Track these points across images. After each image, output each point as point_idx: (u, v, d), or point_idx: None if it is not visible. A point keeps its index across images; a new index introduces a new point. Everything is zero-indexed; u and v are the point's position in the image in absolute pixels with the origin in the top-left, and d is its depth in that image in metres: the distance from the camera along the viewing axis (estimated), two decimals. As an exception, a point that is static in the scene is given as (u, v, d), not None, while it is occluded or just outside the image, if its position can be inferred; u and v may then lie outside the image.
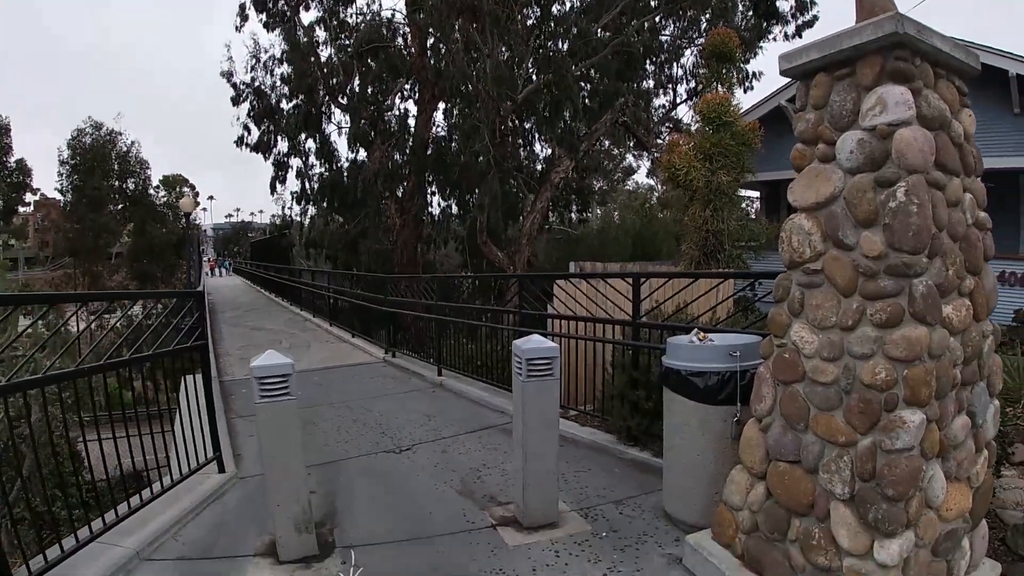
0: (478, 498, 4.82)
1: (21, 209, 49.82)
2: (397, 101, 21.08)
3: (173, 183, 55.69)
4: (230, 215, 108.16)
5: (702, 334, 4.13)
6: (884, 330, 2.70)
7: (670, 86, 23.36)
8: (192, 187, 72.02)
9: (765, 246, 13.03)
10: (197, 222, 71.04)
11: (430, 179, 20.90)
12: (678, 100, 23.47)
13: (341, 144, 22.34)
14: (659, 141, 24.66)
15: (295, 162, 23.27)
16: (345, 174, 21.99)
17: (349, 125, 20.17)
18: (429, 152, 19.84)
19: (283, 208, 25.42)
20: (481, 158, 16.39)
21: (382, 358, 11.13)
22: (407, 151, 19.47)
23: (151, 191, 43.09)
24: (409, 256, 19.18)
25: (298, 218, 24.67)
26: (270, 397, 3.81)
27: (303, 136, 21.70)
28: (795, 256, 3.07)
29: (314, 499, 4.65)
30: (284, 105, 22.13)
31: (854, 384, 2.79)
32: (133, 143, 40.21)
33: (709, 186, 11.38)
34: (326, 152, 21.91)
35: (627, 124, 22.27)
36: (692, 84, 22.62)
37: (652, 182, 43.95)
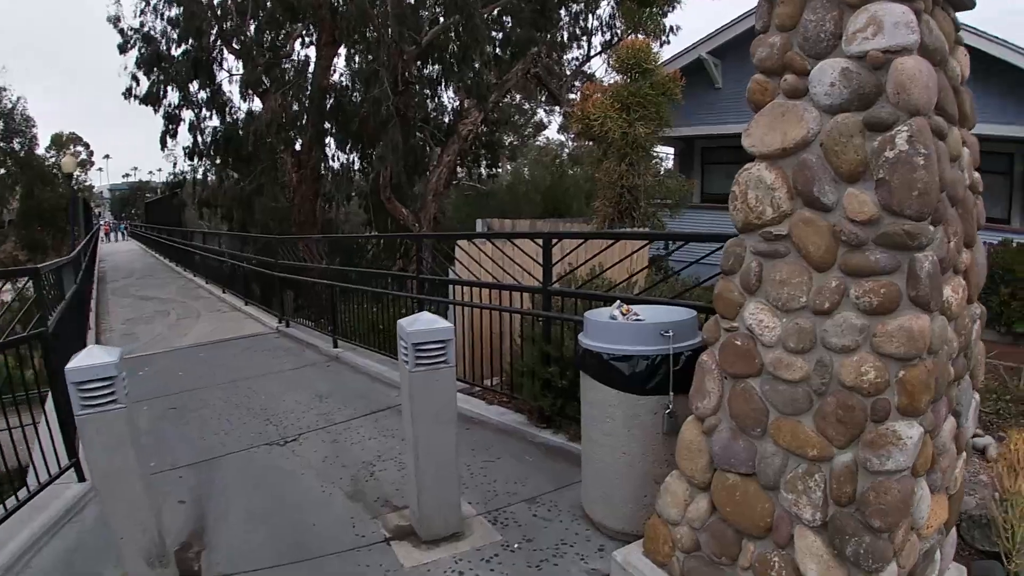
0: (370, 502, 4.12)
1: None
2: (297, 47, 19.79)
3: (65, 142, 51.63)
4: (127, 175, 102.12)
5: (626, 307, 3.49)
6: (874, 318, 2.06)
7: (584, 39, 22.72)
8: (87, 145, 67.57)
9: (680, 203, 12.56)
10: (89, 184, 67.42)
11: (329, 130, 19.65)
12: (592, 53, 22.82)
13: (236, 94, 20.76)
14: (572, 96, 24.05)
15: (187, 115, 21.76)
16: (240, 127, 20.61)
17: (242, 72, 18.76)
18: (329, 101, 18.59)
19: (175, 165, 23.74)
20: (383, 107, 15.33)
21: (275, 328, 10.23)
22: (305, 100, 18.17)
23: (39, 151, 39.90)
24: (307, 214, 18.03)
25: (190, 175, 23.09)
26: (94, 406, 2.97)
27: (195, 85, 20.14)
28: (751, 217, 2.40)
29: (183, 510, 4.06)
30: (175, 52, 20.48)
31: (830, 384, 2.18)
32: (19, 99, 37.07)
33: (625, 138, 10.79)
34: (218, 102, 20.42)
35: (539, 76, 21.52)
36: (607, 36, 22.00)
37: (563, 138, 43.46)
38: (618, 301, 3.62)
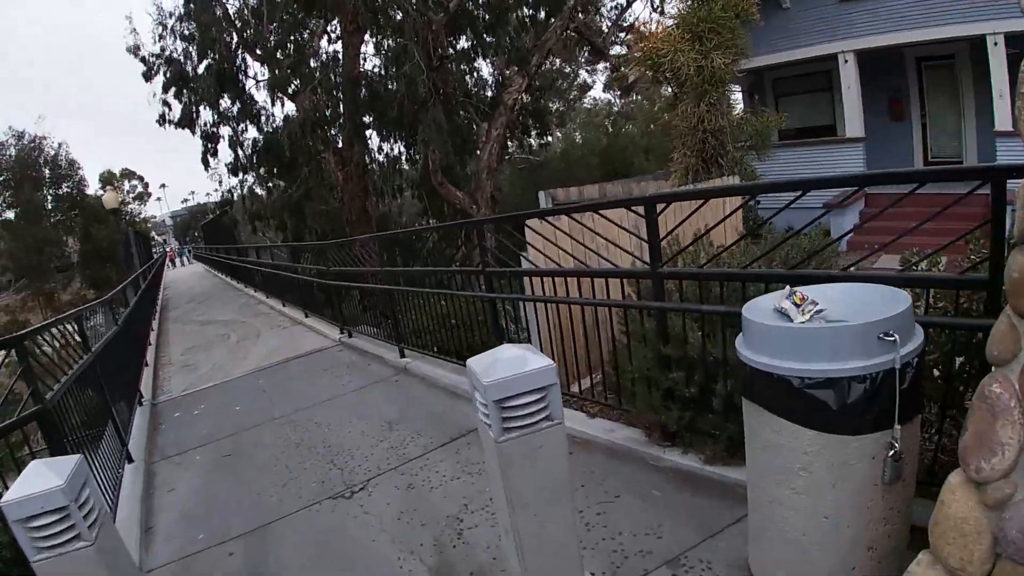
0: (462, 580, 3.15)
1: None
2: (324, 44, 18.87)
3: (116, 179, 52.06)
4: (186, 199, 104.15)
5: (799, 294, 2.36)
6: None
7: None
8: (141, 178, 68.45)
9: (764, 144, 11.15)
10: (150, 215, 68.39)
11: (368, 122, 18.73)
12: (633, -1, 21.30)
13: (268, 101, 20.09)
14: (618, 48, 22.65)
15: (225, 131, 21.19)
16: (278, 135, 19.89)
17: (267, 76, 17.99)
18: (362, 92, 17.64)
19: (220, 183, 23.29)
20: (419, 84, 14.29)
21: (338, 340, 9.40)
22: (338, 95, 17.24)
23: (89, 191, 40.17)
24: (358, 212, 17.17)
25: (237, 191, 22.56)
26: (50, 548, 2.05)
27: (225, 100, 19.46)
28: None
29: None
30: (199, 70, 19.83)
31: None
32: (60, 145, 37.23)
33: (702, 73, 9.45)
34: (250, 112, 19.70)
35: (579, 31, 20.24)
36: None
37: (610, 96, 42.08)
38: (788, 287, 2.47)
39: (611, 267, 4.39)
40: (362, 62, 17.52)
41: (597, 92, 41.70)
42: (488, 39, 17.28)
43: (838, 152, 13.93)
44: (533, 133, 23.75)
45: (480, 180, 17.57)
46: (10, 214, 34.44)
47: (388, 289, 7.47)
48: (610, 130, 28.57)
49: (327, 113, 17.34)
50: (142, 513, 4.61)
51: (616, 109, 32.71)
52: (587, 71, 36.35)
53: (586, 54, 28.62)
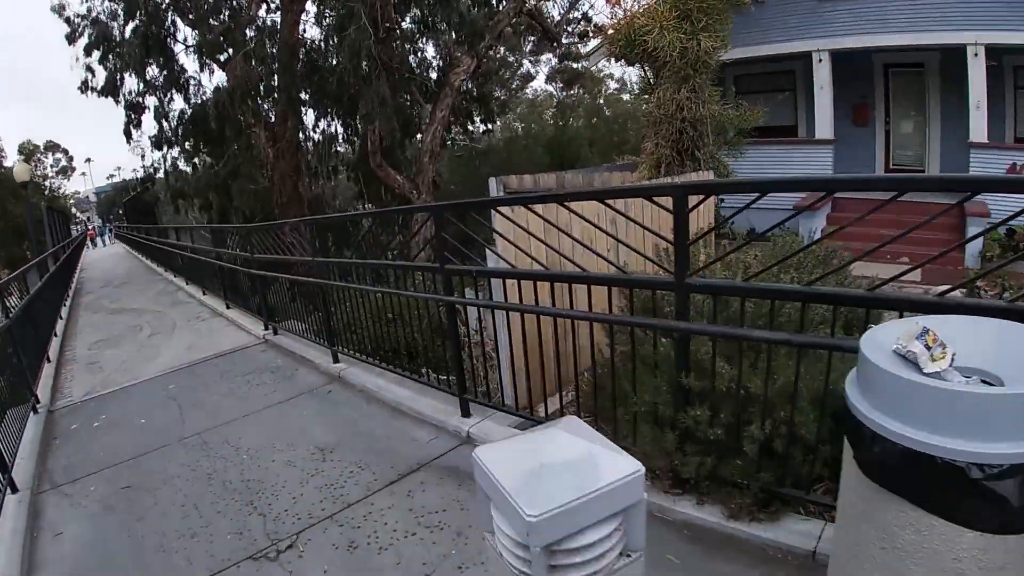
0: None
1: None
2: (263, 13, 17.43)
3: (38, 151, 48.60)
4: (111, 175, 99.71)
5: (931, 333, 1.55)
6: None
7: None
8: (66, 151, 65.03)
9: (737, 140, 10.41)
10: (74, 191, 64.97)
11: (304, 96, 17.44)
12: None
13: (197, 69, 18.66)
14: (566, 39, 21.83)
15: (151, 102, 19.61)
16: (208, 108, 18.49)
17: (197, 40, 16.57)
18: (300, 62, 16.38)
19: (143, 157, 21.54)
20: (363, 54, 13.16)
21: (262, 337, 8.35)
22: (274, 64, 15.88)
23: (7, 164, 37.40)
24: (290, 193, 15.88)
25: (161, 166, 21.01)
26: None
27: (150, 64, 17.92)
28: None
29: None
30: (127, 33, 18.25)
31: None
32: None
33: (686, 56, 8.59)
34: (177, 81, 18.20)
35: (532, 15, 19.31)
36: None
37: (551, 88, 41.42)
38: (918, 321, 1.66)
39: (617, 272, 3.35)
40: (302, 32, 16.23)
41: (539, 83, 41.20)
42: (439, 13, 16.21)
43: (808, 153, 13.44)
44: (477, 119, 22.78)
45: (422, 164, 16.52)
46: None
47: (321, 283, 6.42)
48: (558, 121, 27.70)
49: (260, 85, 15.92)
50: (22, 568, 3.59)
51: (557, 101, 32.08)
52: (531, 61, 35.90)
53: (532, 43, 27.88)
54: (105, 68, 19.00)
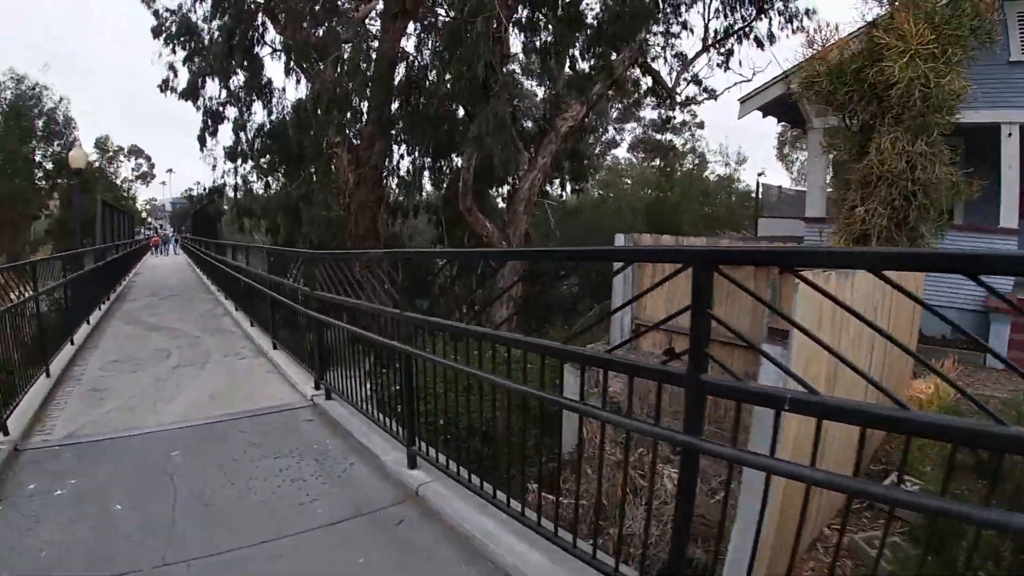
0: None
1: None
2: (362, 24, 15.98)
3: (116, 152, 48.40)
4: (190, 189, 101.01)
5: None
6: None
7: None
8: (148, 158, 65.90)
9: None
10: (132, 192, 65.25)
11: (398, 115, 15.75)
12: (713, 38, 18.41)
13: (287, 81, 17.50)
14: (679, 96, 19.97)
15: (231, 113, 18.44)
16: (288, 121, 17.07)
17: (282, 40, 15.11)
18: (399, 76, 14.78)
19: (214, 167, 20.23)
20: (482, 64, 11.37)
21: (309, 398, 6.36)
22: (369, 71, 14.17)
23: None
24: (367, 226, 14.10)
25: (231, 179, 19.64)
26: None
27: (232, 65, 16.55)
28: None
29: None
30: (214, 27, 17.03)
31: None
32: (61, 100, 34.31)
33: (928, 99, 6.48)
34: (258, 87, 16.81)
35: (646, 65, 17.55)
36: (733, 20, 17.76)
37: (632, 157, 40.16)
38: None
39: None
40: (402, 46, 14.62)
41: (622, 151, 39.98)
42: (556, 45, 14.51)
43: (986, 242, 11.19)
44: (567, 176, 21.01)
45: (515, 213, 14.69)
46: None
47: (407, 352, 4.22)
48: (664, 184, 25.91)
49: (350, 96, 14.24)
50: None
51: (660, 167, 30.77)
52: (615, 128, 34.67)
53: (618, 110, 26.38)
54: (189, 70, 18.01)
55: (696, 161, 36.08)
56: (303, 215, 16.39)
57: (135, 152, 65.11)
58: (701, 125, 37.31)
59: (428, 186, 18.66)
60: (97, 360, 8.86)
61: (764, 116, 15.92)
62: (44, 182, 33.44)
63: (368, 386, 5.31)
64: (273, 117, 17.83)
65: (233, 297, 13.61)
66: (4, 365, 5.98)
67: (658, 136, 38.19)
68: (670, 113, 22.15)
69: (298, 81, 15.89)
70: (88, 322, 11.59)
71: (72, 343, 9.50)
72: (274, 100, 17.75)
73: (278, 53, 16.32)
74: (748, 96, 14.68)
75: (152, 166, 67.75)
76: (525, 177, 15.19)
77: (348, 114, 14.58)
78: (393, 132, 15.67)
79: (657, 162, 36.97)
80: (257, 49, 16.41)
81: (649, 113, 37.70)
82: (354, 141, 14.86)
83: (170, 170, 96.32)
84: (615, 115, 32.53)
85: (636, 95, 21.69)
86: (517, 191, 15.11)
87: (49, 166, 33.31)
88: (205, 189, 21.52)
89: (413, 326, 4.05)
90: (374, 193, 14.22)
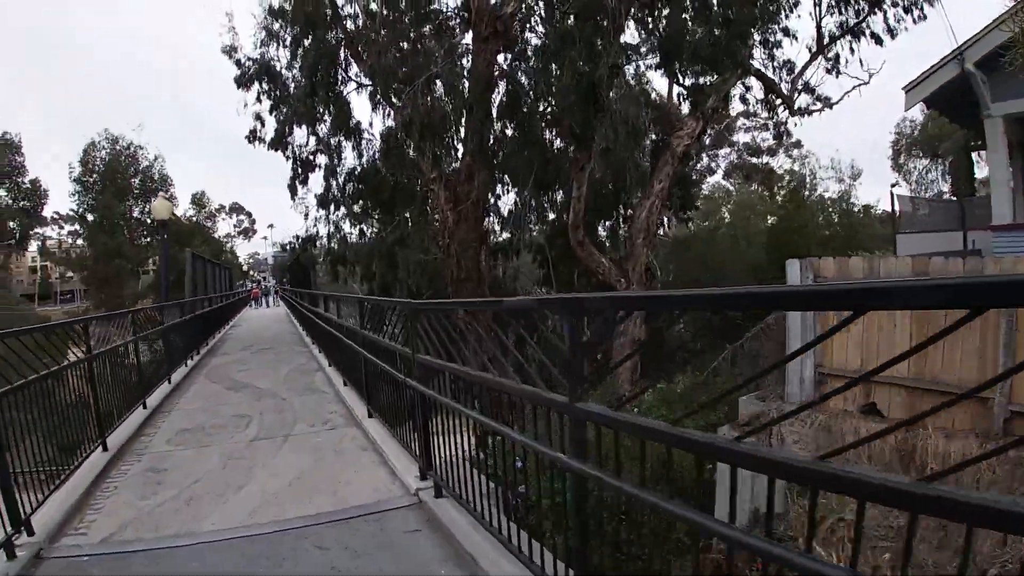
0: None
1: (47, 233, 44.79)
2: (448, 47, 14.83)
3: (203, 202, 49.39)
4: (289, 242, 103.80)
5: None
6: None
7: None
8: (248, 214, 68.07)
9: None
10: (230, 247, 66.81)
11: (498, 143, 14.32)
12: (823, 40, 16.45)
13: (374, 116, 16.55)
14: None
15: (321, 160, 17.74)
16: (379, 161, 16.02)
17: (369, 66, 13.88)
18: (497, 95, 13.39)
19: (305, 216, 19.40)
20: (600, 68, 9.84)
21: (413, 491, 4.79)
22: (464, 92, 12.75)
23: (177, 212, 37.69)
24: (469, 267, 12.63)
25: (324, 228, 18.75)
26: None
27: (317, 107, 15.65)
28: None
29: None
30: (295, 70, 16.25)
31: None
32: (156, 158, 35.23)
33: None
34: (345, 127, 15.81)
35: (759, 73, 15.73)
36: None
37: (728, 184, 38.15)
38: None
39: None
40: (495, 67, 13.23)
41: (717, 177, 38.02)
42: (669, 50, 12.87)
43: None
44: (676, 204, 19.22)
45: (634, 246, 13.07)
46: (90, 217, 32.18)
47: (583, 474, 2.54)
48: (790, 207, 23.78)
49: (444, 122, 12.82)
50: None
51: (788, 189, 28.78)
52: (708, 155, 32.97)
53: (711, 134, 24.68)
54: (276, 119, 17.45)
55: (808, 179, 33.91)
56: (399, 260, 15.08)
57: (236, 209, 67.50)
58: (798, 144, 35.39)
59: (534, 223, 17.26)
60: (167, 429, 7.75)
61: (928, 108, 13.95)
62: (145, 239, 34.01)
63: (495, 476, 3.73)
64: (363, 159, 16.92)
65: (326, 351, 12.39)
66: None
67: (754, 159, 36.15)
68: (783, 125, 20.12)
69: (387, 114, 14.76)
70: (169, 380, 10.71)
71: (145, 407, 8.55)
72: (363, 142, 16.83)
73: (364, 88, 15.33)
74: (914, 84, 12.51)
75: (253, 221, 69.98)
76: (641, 205, 13.59)
77: (442, 143, 13.20)
78: (495, 162, 14.24)
79: (755, 187, 34.86)
80: (341, 87, 15.51)
81: (742, 136, 36.21)
82: (447, 173, 13.52)
83: (271, 225, 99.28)
84: (707, 141, 30.70)
85: (745, 108, 19.93)
86: (633, 220, 13.49)
87: (149, 222, 33.84)
88: (298, 239, 20.68)
89: (595, 429, 2.40)
90: (475, 231, 12.78)
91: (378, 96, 14.18)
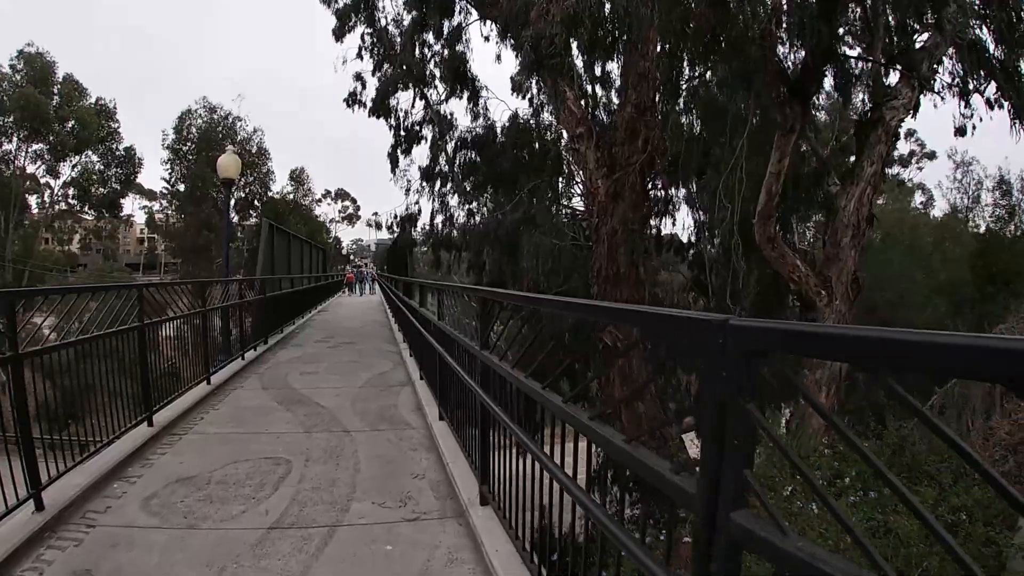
0: None
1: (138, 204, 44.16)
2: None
3: (302, 179, 47.17)
4: (387, 221, 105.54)
5: None
6: None
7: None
8: (353, 200, 68.19)
9: None
10: (333, 234, 66.30)
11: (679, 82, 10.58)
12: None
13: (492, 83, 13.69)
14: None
15: (427, 132, 15.55)
16: (497, 130, 13.03)
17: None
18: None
19: (406, 191, 16.51)
20: None
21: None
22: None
23: (274, 188, 35.95)
24: (627, 261, 9.20)
25: (426, 202, 15.92)
26: None
27: (424, 42, 12.86)
28: None
29: None
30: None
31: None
32: (256, 131, 33.53)
33: None
34: (457, 69, 12.90)
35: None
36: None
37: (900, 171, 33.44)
38: None
39: None
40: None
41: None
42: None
43: None
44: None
45: (837, 246, 9.53)
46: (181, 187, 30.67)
47: None
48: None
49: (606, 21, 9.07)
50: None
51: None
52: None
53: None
54: (378, 80, 15.27)
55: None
56: (521, 244, 11.64)
57: (341, 195, 67.94)
58: (932, 156, 31.35)
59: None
60: (159, 473, 4.97)
61: None
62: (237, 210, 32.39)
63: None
64: (479, 122, 13.89)
65: (416, 355, 9.34)
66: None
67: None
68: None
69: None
70: (208, 381, 8.10)
71: (151, 424, 5.96)
72: (480, 100, 13.83)
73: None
74: None
75: (357, 208, 70.46)
76: (846, 193, 10.04)
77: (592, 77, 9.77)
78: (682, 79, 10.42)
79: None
80: (459, 18, 12.54)
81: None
82: (604, 133, 10.10)
83: (375, 213, 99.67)
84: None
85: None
86: (837, 213, 9.94)
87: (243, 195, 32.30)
88: (395, 217, 17.73)
89: None
90: (637, 210, 9.31)
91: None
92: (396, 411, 7.09)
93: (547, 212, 11.49)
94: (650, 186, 10.77)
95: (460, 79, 13.02)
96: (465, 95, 13.61)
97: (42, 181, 34.70)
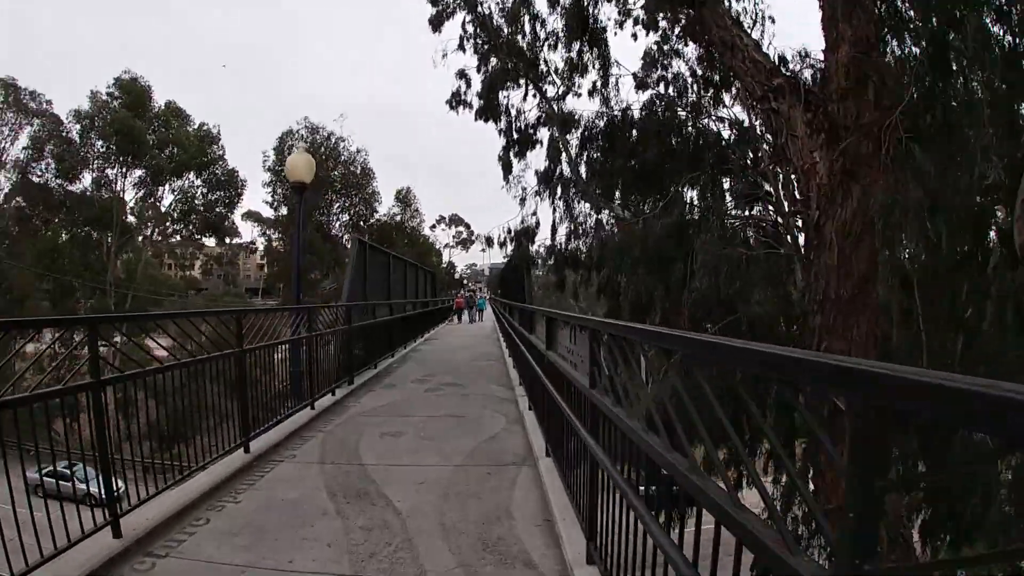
0: None
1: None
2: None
3: (408, 199, 45.10)
4: (507, 256, 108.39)
5: None
6: None
7: None
8: (467, 226, 69.73)
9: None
10: (446, 258, 67.08)
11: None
12: None
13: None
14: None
15: (543, 134, 13.43)
16: (633, 118, 10.57)
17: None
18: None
19: (522, 201, 13.99)
20: None
21: None
22: None
23: (379, 210, 34.74)
24: (864, 265, 6.10)
25: (548, 210, 13.54)
26: None
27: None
28: None
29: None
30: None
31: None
32: (359, 151, 32.56)
33: None
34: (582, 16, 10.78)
35: None
36: None
37: None
38: None
39: None
40: None
41: None
42: None
43: None
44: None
45: None
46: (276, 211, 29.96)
47: None
48: None
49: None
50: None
51: None
52: None
53: None
54: (483, 73, 13.49)
55: None
56: (676, 257, 8.61)
57: (455, 220, 69.89)
58: None
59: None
60: None
61: None
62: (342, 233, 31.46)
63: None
64: (610, 108, 11.39)
65: (537, 413, 6.59)
66: None
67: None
68: None
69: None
70: (247, 449, 5.84)
71: (116, 534, 3.86)
72: (610, 81, 11.41)
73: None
74: None
75: (471, 232, 72.11)
76: None
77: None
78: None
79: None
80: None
81: None
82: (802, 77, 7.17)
83: (488, 238, 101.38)
84: None
85: None
86: None
87: (344, 218, 31.32)
88: (509, 233, 15.08)
89: None
90: (881, 181, 6.21)
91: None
92: (510, 526, 4.26)
93: (720, 214, 8.54)
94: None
95: (585, 31, 10.61)
96: (592, 68, 11.18)
97: (148, 206, 35.03)
